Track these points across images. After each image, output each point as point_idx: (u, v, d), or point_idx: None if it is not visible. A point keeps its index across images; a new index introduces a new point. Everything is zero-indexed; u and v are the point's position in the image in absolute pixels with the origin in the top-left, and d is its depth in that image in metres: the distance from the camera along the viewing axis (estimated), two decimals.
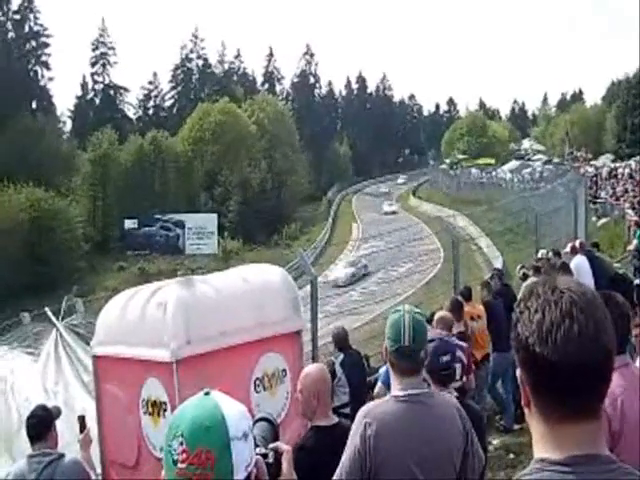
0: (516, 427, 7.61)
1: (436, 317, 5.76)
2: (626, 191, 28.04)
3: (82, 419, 4.49)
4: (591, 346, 1.20)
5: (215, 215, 55.05)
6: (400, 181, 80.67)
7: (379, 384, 5.76)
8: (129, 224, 53.87)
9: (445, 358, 3.53)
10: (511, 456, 6.77)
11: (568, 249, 9.98)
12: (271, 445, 1.68)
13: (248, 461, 1.41)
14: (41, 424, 4.11)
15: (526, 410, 1.30)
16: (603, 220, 24.75)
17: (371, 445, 2.55)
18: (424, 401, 2.64)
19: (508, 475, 5.79)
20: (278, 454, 1.65)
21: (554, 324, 1.21)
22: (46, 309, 7.27)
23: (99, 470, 4.46)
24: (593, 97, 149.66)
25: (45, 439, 4.07)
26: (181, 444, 1.33)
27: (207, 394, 1.41)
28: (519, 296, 1.67)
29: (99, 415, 4.63)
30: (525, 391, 1.28)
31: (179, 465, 1.33)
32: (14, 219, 44.07)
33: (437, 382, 3.51)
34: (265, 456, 1.59)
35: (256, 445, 1.54)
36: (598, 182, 32.09)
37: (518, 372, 1.29)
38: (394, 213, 55.98)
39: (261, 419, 1.87)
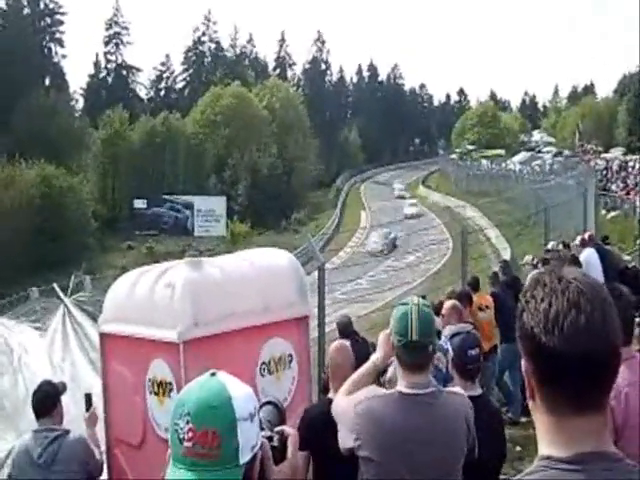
0: (523, 419, 7.55)
1: (448, 305, 5.72)
2: (637, 184, 27.85)
3: (88, 397, 4.52)
4: (598, 337, 1.18)
5: (224, 198, 55.02)
6: (397, 186, 64.90)
7: (391, 369, 5.71)
8: (138, 204, 53.97)
9: (473, 352, 3.44)
10: (518, 449, 6.71)
11: (577, 242, 9.93)
12: (277, 428, 1.68)
13: (254, 442, 1.42)
14: (47, 399, 4.13)
15: (530, 402, 1.27)
16: (613, 213, 24.61)
17: (361, 439, 2.53)
18: (429, 402, 2.58)
19: (514, 468, 5.76)
20: (284, 437, 1.65)
21: (560, 314, 1.19)
22: (54, 285, 7.29)
23: (103, 448, 4.48)
24: (605, 90, 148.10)
25: (51, 414, 4.09)
26: (187, 423, 1.35)
27: (213, 375, 1.42)
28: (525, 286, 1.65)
29: (105, 393, 4.64)
30: (530, 382, 1.26)
31: (185, 443, 1.35)
32: (25, 195, 44.15)
33: (464, 376, 3.44)
34: (270, 439, 1.59)
35: (262, 428, 1.55)
36: (609, 175, 31.89)
37: (523, 363, 1.27)
38: (419, 216, 43.02)
39: (267, 403, 1.87)
